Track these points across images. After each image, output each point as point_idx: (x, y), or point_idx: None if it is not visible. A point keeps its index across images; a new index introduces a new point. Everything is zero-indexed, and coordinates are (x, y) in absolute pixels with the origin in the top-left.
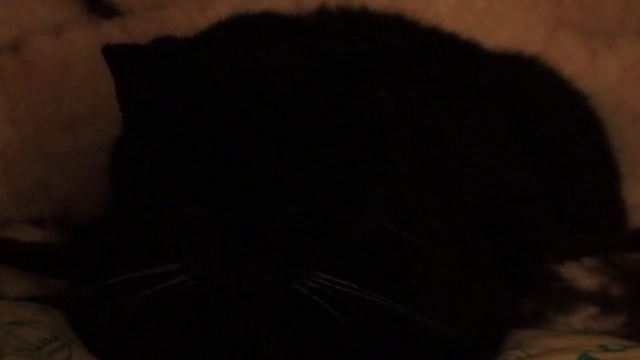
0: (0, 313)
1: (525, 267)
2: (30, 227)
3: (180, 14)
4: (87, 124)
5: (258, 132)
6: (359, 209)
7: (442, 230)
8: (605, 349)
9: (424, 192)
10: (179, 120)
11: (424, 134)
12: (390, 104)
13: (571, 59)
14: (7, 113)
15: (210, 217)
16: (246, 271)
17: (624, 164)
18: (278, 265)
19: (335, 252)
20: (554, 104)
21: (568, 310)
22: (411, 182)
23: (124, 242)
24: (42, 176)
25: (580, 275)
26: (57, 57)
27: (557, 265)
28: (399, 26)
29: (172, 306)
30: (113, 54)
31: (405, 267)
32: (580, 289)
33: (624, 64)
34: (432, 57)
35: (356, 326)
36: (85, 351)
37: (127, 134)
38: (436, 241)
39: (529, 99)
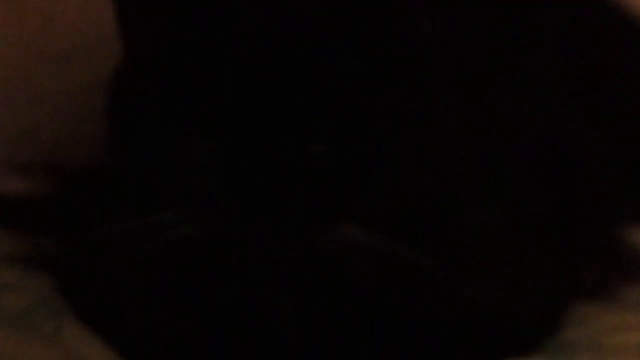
0: None
1: (588, 232)
2: (15, 176)
3: None
4: (83, 59)
5: (279, 60)
6: (390, 154)
7: (491, 188)
8: None
9: (468, 143)
10: (188, 47)
11: (473, 77)
12: (434, 36)
13: None
14: None
15: (221, 156)
16: (260, 218)
17: None
18: (297, 213)
19: (361, 204)
20: (622, 44)
21: (636, 280)
22: (453, 130)
23: (122, 191)
24: (30, 118)
25: None
26: None
27: (624, 231)
28: None
29: (176, 265)
30: None
31: (446, 228)
32: None
33: None
34: None
35: (388, 293)
36: (78, 320)
37: (129, 65)
38: (483, 200)
39: (596, 39)
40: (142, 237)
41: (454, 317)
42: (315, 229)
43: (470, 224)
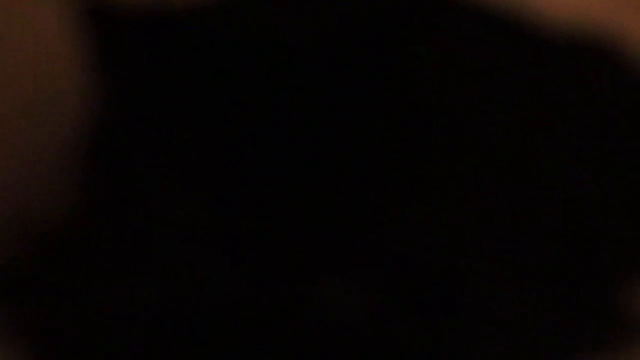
0: None
1: (596, 296)
2: None
3: None
4: (49, 111)
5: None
6: (381, 202)
7: (498, 252)
8: None
9: (475, 201)
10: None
11: (480, 125)
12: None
13: None
14: None
15: (207, 209)
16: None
17: None
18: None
19: (352, 255)
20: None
21: None
22: (458, 189)
23: (100, 252)
24: None
25: None
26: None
27: (634, 293)
28: None
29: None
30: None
31: (451, 296)
32: None
33: None
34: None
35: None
36: None
37: (111, 115)
38: (491, 266)
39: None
40: (128, 306)
41: None
42: (303, 282)
43: (478, 296)
